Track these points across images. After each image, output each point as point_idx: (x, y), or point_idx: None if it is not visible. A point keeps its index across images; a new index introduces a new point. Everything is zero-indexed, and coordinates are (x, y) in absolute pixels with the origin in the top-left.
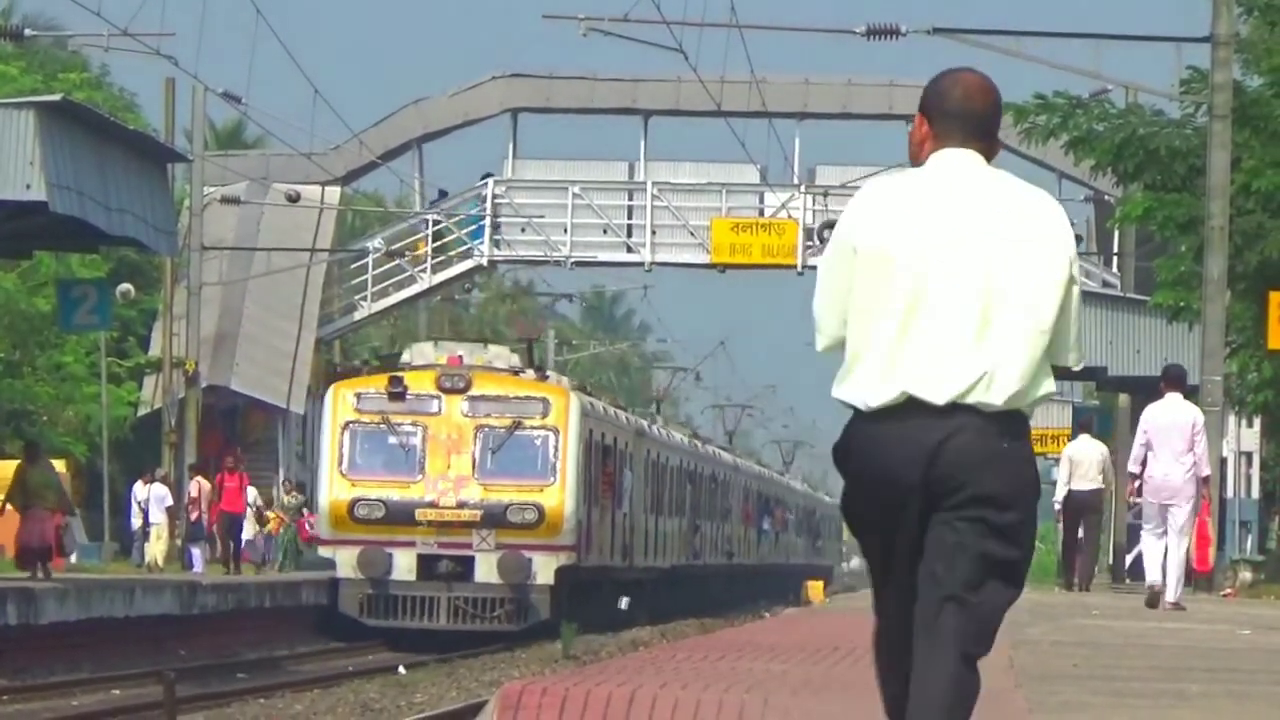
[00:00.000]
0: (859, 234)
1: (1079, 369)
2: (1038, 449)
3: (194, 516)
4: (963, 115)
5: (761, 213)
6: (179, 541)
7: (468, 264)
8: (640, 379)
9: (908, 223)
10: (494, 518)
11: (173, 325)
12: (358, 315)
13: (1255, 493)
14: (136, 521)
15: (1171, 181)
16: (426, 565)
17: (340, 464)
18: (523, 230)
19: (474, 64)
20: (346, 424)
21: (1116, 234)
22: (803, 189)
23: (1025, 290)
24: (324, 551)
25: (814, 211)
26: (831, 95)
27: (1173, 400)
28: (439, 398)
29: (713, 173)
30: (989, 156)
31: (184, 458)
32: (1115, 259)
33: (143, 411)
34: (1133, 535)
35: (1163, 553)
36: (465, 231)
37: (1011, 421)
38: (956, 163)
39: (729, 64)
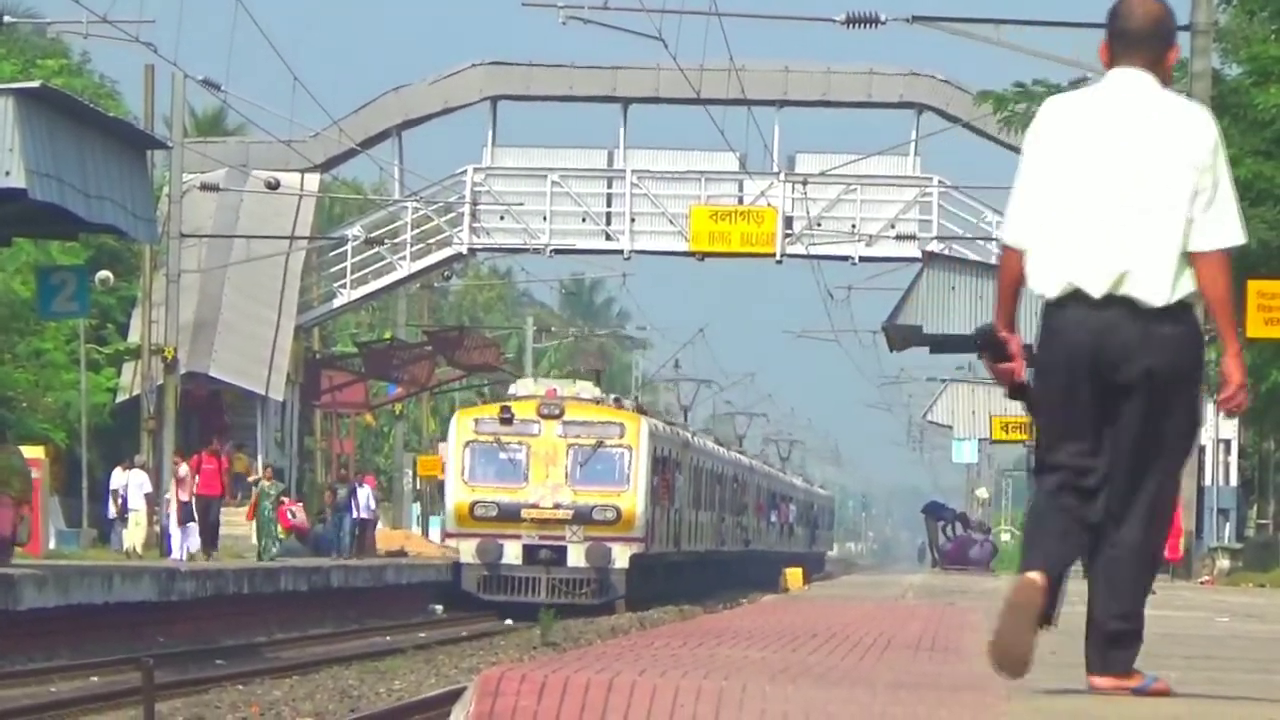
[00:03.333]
0: (1038, 142)
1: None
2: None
3: (184, 498)
4: (1129, 35)
5: (740, 201)
6: (157, 528)
7: (447, 252)
8: (620, 365)
9: (1077, 133)
10: (582, 516)
11: (152, 312)
12: (337, 302)
13: (1234, 480)
14: (114, 508)
15: None
16: (529, 553)
17: (463, 474)
18: (501, 218)
19: (454, 51)
20: (468, 443)
21: None
22: (782, 177)
23: (1168, 192)
24: (450, 542)
25: (793, 199)
26: (811, 83)
27: None
28: (539, 422)
29: (692, 160)
30: (1158, 72)
31: (163, 444)
32: None
33: (121, 398)
34: None
35: None
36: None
37: (1166, 311)
38: (1123, 80)
39: (708, 52)
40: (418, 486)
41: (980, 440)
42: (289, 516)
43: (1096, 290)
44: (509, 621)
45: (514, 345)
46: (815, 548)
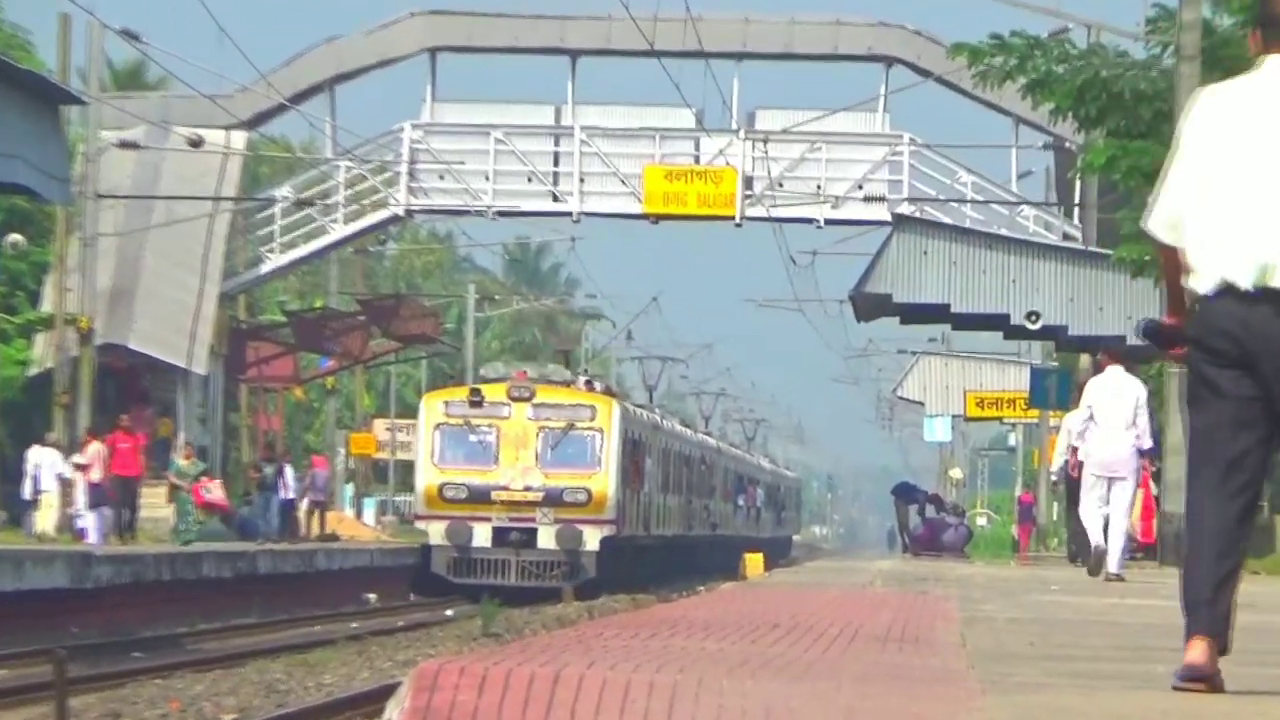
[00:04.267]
0: (1191, 132)
1: (1036, 328)
2: (991, 413)
3: (95, 479)
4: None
5: (697, 160)
6: (70, 511)
7: (382, 214)
8: (569, 335)
9: (1230, 123)
10: (553, 498)
11: (66, 279)
12: (264, 268)
13: None
14: (28, 489)
15: (1137, 127)
16: (500, 535)
17: (433, 456)
18: (441, 178)
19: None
20: (437, 425)
21: (1078, 184)
22: (742, 134)
23: None
24: (420, 525)
25: (754, 158)
26: (772, 35)
27: (1114, 374)
28: (509, 405)
29: (645, 117)
30: None
31: (78, 420)
32: (1077, 211)
33: (34, 371)
34: None
35: (1104, 519)
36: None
37: None
38: (1277, 68)
39: (662, 1)
40: (350, 466)
41: (954, 417)
42: (202, 493)
43: (1245, 281)
44: (449, 612)
45: (454, 315)
46: (782, 531)
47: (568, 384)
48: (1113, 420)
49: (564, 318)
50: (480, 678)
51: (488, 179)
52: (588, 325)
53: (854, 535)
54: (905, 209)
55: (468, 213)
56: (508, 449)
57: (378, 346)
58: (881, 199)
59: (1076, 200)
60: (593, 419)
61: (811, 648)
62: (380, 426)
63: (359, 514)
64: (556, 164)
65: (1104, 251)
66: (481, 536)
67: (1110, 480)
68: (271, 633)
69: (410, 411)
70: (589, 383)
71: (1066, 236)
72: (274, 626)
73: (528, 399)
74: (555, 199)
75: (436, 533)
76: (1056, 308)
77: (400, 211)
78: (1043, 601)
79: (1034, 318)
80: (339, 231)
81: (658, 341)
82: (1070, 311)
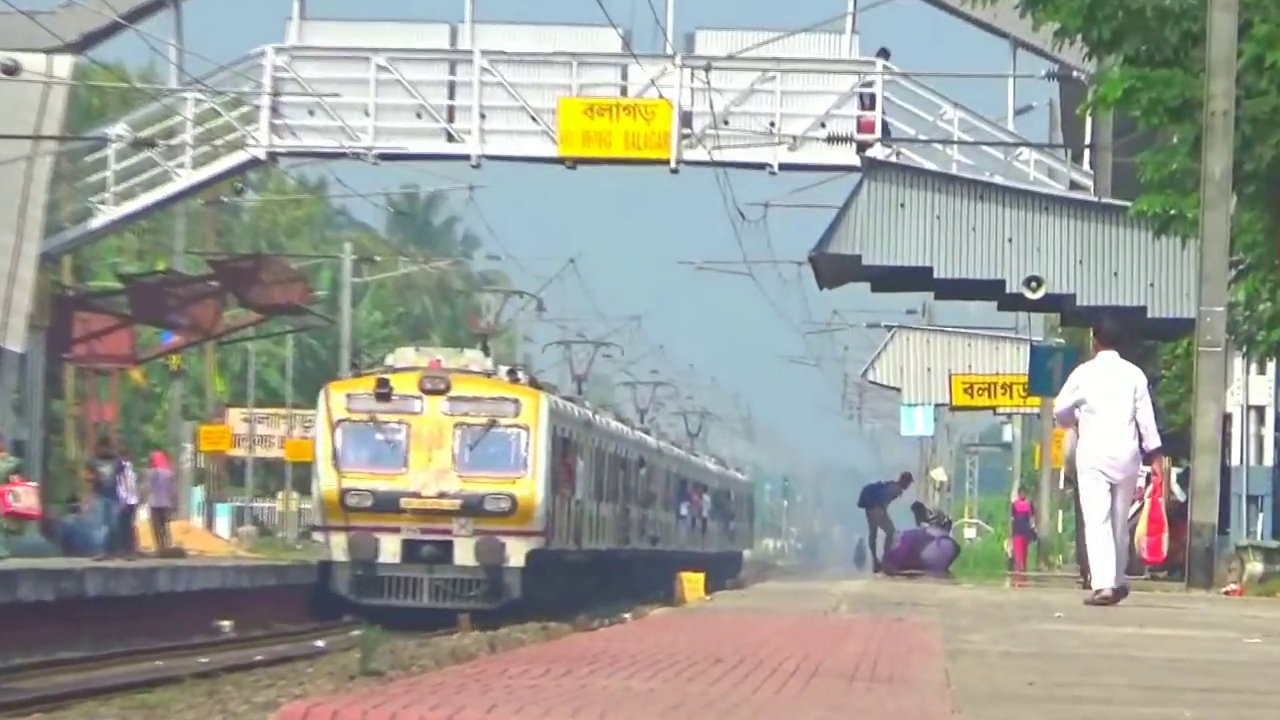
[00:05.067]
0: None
1: (1038, 297)
2: (982, 402)
3: None
4: None
5: (624, 91)
6: None
7: (239, 158)
8: (466, 307)
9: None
10: (471, 506)
11: None
12: (95, 223)
13: (1269, 459)
14: None
15: (1160, 53)
16: (410, 549)
17: (333, 458)
18: (311, 113)
19: None
20: (339, 421)
21: (1088, 122)
22: (678, 61)
23: None
24: (318, 536)
25: (693, 90)
26: None
27: (1108, 360)
28: (421, 398)
29: (560, 40)
30: None
31: None
32: (1087, 154)
33: None
34: None
35: (1111, 546)
36: None
37: None
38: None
39: None
40: (200, 465)
41: (937, 406)
42: (9, 500)
43: None
44: (320, 644)
45: (327, 279)
46: (732, 546)
47: (488, 374)
48: (1111, 416)
49: (462, 283)
50: None
51: (367, 114)
52: (490, 296)
53: (814, 550)
54: (878, 152)
55: (344, 156)
56: (419, 449)
57: (233, 319)
58: (849, 139)
59: (1086, 141)
60: (517, 415)
61: (761, 687)
62: (236, 417)
63: (210, 523)
64: (452, 96)
65: (1120, 204)
66: (389, 551)
67: (1112, 488)
68: (103, 668)
69: (273, 398)
70: (512, 372)
71: (1074, 186)
72: (106, 661)
73: (443, 391)
74: (450, 139)
75: (338, 546)
76: (1062, 272)
77: (261, 154)
78: (1044, 631)
79: (1035, 285)
80: (186, 178)
81: (576, 313)
82: (1079, 277)
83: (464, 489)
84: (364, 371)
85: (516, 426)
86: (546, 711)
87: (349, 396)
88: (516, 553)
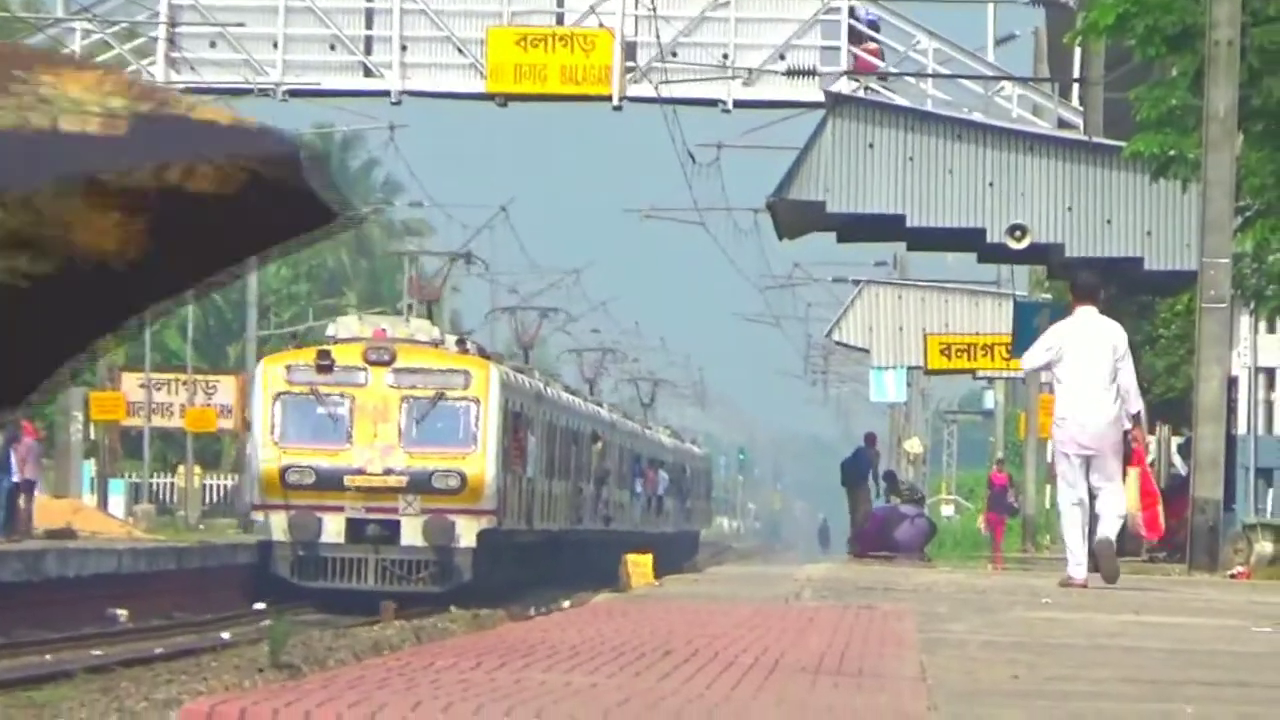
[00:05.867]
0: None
1: (1022, 247)
2: (960, 364)
3: None
4: None
5: (560, 20)
6: None
7: None
8: (387, 264)
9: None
10: (419, 484)
11: None
12: None
13: (1279, 428)
14: None
15: None
16: (355, 529)
17: (272, 433)
18: (213, 45)
19: None
20: (278, 395)
21: (1078, 52)
22: None
23: None
24: (256, 516)
25: (636, 18)
26: None
27: (1086, 317)
28: (365, 370)
29: None
30: None
31: None
32: (1076, 88)
33: None
34: None
35: (1085, 526)
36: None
37: None
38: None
39: None
40: (91, 436)
41: (910, 369)
42: None
43: None
44: (225, 635)
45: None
46: (689, 525)
47: (436, 344)
48: (1087, 378)
49: (381, 233)
50: None
51: (275, 47)
52: (411, 242)
53: (775, 530)
54: (844, 86)
55: (250, 92)
56: (364, 424)
57: None
58: (811, 73)
59: (1075, 74)
60: (466, 387)
61: (716, 682)
62: (132, 382)
63: (103, 502)
64: (369, 26)
65: (1113, 143)
66: (333, 530)
67: (1088, 458)
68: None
69: (172, 362)
70: (461, 342)
71: (1062, 124)
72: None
73: (388, 363)
74: (368, 73)
75: (278, 526)
76: (1049, 220)
77: None
78: (1030, 619)
79: (1019, 234)
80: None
81: (509, 266)
82: (1068, 225)
83: (411, 465)
84: (303, 343)
85: (466, 399)
86: (477, 709)
87: (288, 368)
88: (467, 532)
